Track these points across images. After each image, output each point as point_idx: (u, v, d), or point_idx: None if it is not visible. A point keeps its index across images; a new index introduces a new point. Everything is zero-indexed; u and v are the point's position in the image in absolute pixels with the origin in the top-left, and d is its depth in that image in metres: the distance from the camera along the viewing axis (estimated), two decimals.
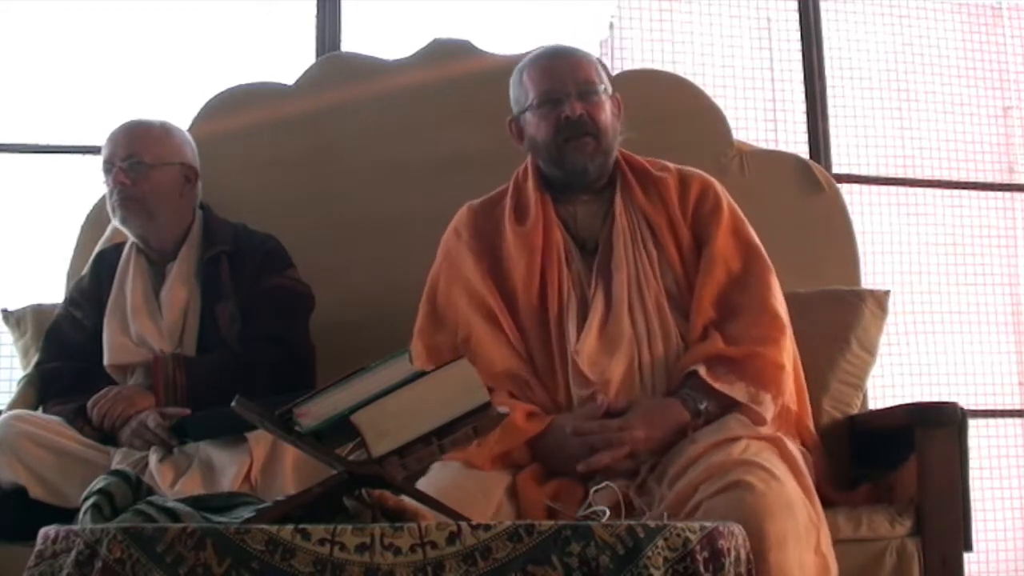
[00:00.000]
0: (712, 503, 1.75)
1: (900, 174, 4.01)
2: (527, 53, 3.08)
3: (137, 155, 2.57)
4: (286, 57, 3.65)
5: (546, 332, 2.17)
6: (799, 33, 3.66)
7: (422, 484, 1.88)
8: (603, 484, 1.89)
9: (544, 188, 2.29)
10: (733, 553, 1.39)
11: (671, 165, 2.34)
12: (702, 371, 2.06)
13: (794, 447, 2.00)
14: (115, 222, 2.63)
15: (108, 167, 2.59)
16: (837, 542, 1.90)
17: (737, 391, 2.06)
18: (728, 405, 2.06)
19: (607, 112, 2.25)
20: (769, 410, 2.07)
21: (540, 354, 2.16)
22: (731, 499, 1.75)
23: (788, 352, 2.16)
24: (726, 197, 2.30)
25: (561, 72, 2.24)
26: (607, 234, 2.24)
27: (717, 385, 2.05)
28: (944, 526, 2.19)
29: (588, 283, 2.21)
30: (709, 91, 3.18)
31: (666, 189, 2.27)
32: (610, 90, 2.29)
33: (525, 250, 2.21)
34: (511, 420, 2.01)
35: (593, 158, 2.23)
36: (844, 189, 3.14)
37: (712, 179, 2.33)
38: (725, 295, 2.18)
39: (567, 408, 2.11)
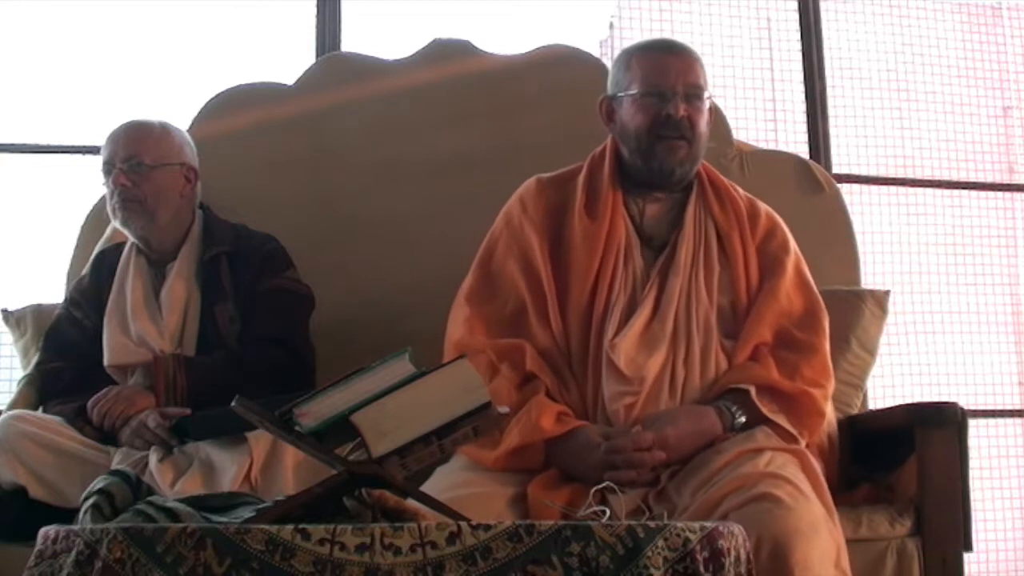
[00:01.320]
0: (739, 514, 1.75)
1: (900, 174, 4.01)
2: (527, 53, 3.12)
3: (137, 156, 2.57)
4: (286, 57, 3.66)
5: (587, 326, 2.15)
6: (799, 33, 3.66)
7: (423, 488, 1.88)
8: (604, 483, 1.89)
9: (618, 177, 2.26)
10: (733, 553, 1.38)
11: (742, 191, 2.34)
12: (753, 392, 2.07)
13: (814, 460, 2.02)
14: (116, 223, 2.63)
15: (108, 168, 2.59)
16: None
17: (780, 422, 2.07)
18: (758, 422, 2.07)
19: (706, 118, 2.23)
20: (800, 445, 2.07)
21: (577, 348, 2.15)
22: (759, 511, 1.76)
23: (829, 402, 2.17)
24: (792, 237, 2.30)
25: (674, 69, 2.21)
26: (675, 238, 2.22)
27: (766, 411, 2.06)
28: (944, 526, 2.19)
29: (645, 280, 2.19)
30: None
31: (738, 210, 2.27)
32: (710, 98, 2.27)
33: (589, 244, 2.19)
34: (534, 419, 2.01)
35: (683, 163, 2.21)
36: (844, 189, 3.14)
37: (778, 216, 2.33)
38: (784, 328, 2.18)
39: (593, 405, 2.11)
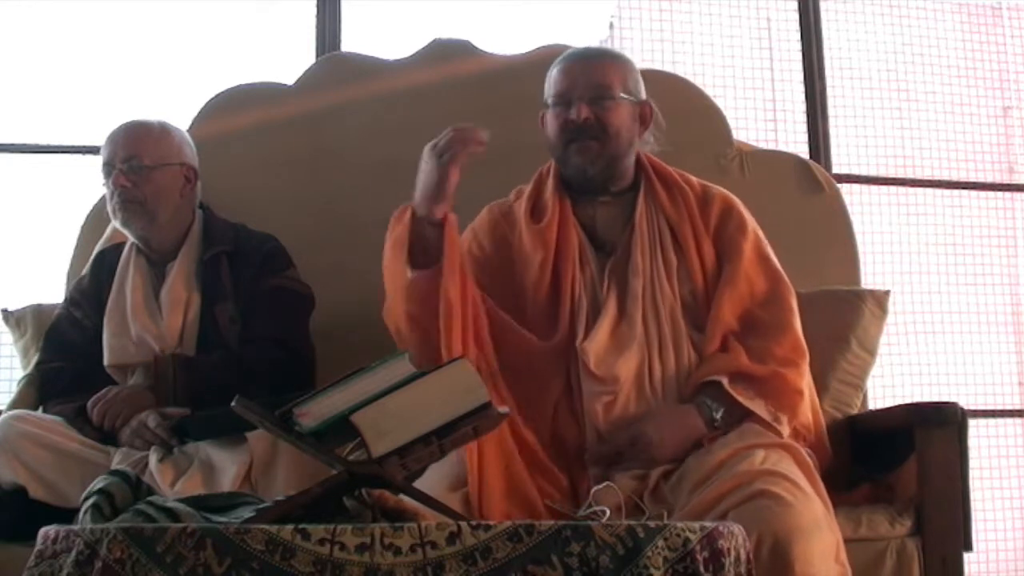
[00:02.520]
0: (739, 512, 1.76)
1: (900, 174, 4.01)
2: (527, 53, 3.12)
3: (137, 156, 2.57)
4: (286, 57, 3.66)
5: (555, 329, 2.16)
6: (799, 33, 3.66)
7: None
8: (604, 484, 1.89)
9: (564, 188, 2.29)
10: (733, 553, 1.39)
11: (694, 179, 2.34)
12: (725, 382, 2.07)
13: (806, 454, 2.02)
14: (116, 224, 2.63)
15: (108, 169, 2.59)
16: None
17: (757, 407, 2.07)
18: (742, 417, 2.07)
19: (622, 116, 2.23)
20: (785, 432, 2.08)
21: (544, 352, 2.16)
22: (759, 508, 1.77)
23: (806, 378, 2.17)
24: (750, 217, 2.29)
25: (575, 74, 2.25)
26: (626, 238, 2.23)
27: (741, 399, 2.06)
28: (944, 526, 2.19)
29: (601, 285, 2.20)
30: (709, 91, 3.18)
31: (687, 200, 2.27)
32: (638, 96, 2.28)
33: (539, 248, 2.21)
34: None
35: (594, 162, 2.23)
36: (844, 189, 3.14)
37: (735, 198, 2.32)
38: (748, 311, 2.18)
39: (572, 405, 2.11)
